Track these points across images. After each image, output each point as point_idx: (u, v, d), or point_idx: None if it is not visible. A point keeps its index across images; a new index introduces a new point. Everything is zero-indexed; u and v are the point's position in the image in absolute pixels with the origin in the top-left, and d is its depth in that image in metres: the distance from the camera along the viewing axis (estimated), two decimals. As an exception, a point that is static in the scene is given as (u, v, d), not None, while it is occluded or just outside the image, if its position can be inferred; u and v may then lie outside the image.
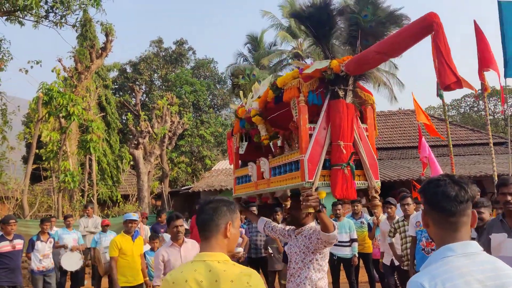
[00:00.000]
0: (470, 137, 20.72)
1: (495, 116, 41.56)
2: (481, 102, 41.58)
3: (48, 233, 8.90)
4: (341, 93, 3.24)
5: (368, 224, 8.47)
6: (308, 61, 35.77)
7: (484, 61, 7.60)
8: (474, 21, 8.14)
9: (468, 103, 41.71)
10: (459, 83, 2.58)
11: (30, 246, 8.57)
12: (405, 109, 25.52)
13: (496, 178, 8.43)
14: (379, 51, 2.93)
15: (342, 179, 3.16)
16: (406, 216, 6.68)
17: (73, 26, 14.52)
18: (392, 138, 21.52)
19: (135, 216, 6.98)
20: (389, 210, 7.43)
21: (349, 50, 3.47)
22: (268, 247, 8.31)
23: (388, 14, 3.30)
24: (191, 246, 5.18)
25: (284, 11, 34.59)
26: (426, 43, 2.75)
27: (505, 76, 7.79)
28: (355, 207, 8.83)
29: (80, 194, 16.47)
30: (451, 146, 9.59)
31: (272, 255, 8.24)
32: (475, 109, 42.68)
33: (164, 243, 8.39)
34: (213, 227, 2.21)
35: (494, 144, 21.07)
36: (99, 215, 16.69)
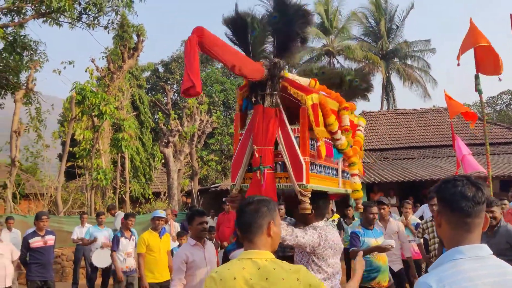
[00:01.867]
0: (506, 135, 20.05)
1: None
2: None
3: (130, 230, 8.11)
4: (259, 98, 3.33)
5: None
6: (340, 58, 35.52)
7: None
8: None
9: (505, 100, 40.41)
10: (194, 88, 2.70)
11: (115, 243, 7.73)
12: (438, 107, 24.95)
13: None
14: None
15: (254, 182, 3.27)
16: (434, 217, 6.51)
17: (105, 27, 14.83)
18: (425, 136, 21.04)
19: (162, 213, 7.07)
20: (382, 211, 6.83)
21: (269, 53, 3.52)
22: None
23: (294, 11, 3.32)
24: (211, 248, 4.81)
25: (317, 8, 34.35)
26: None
27: None
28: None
29: (112, 191, 16.80)
30: (488, 144, 9.28)
31: None
32: (512, 106, 41.36)
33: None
34: (256, 229, 2.21)
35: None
36: (131, 212, 16.99)
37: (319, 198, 3.55)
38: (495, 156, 17.25)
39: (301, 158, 3.23)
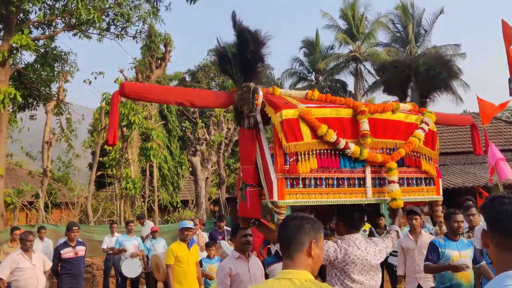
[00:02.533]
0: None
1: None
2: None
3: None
4: (241, 120, 3.53)
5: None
6: (367, 64, 35.09)
7: None
8: None
9: (538, 104, 39.11)
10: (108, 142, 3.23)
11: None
12: (470, 112, 24.34)
13: None
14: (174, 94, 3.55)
15: (240, 200, 3.46)
16: (471, 228, 6.26)
17: (133, 37, 15.02)
18: (457, 142, 20.53)
19: (191, 224, 7.04)
20: (413, 222, 5.95)
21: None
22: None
23: (246, 36, 3.46)
24: (255, 262, 4.54)
25: (343, 13, 34.07)
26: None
27: None
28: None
29: (141, 200, 16.93)
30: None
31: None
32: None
33: (220, 251, 8.39)
34: (297, 245, 2.14)
35: None
36: (159, 221, 17.10)
37: (350, 210, 3.49)
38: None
39: (273, 175, 3.26)
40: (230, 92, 3.62)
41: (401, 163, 3.75)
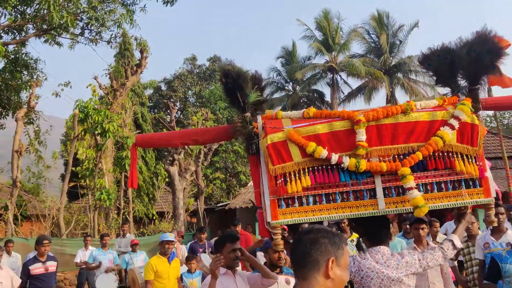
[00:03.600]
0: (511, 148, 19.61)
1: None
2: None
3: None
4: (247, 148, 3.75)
5: None
6: (343, 74, 35.30)
7: None
8: None
9: (512, 113, 39.93)
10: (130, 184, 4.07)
11: None
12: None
13: None
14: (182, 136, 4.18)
15: (260, 219, 3.63)
16: (470, 237, 6.01)
17: (108, 42, 14.57)
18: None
19: (171, 236, 6.62)
20: (420, 231, 5.24)
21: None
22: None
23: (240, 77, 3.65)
24: (243, 277, 4.18)
25: (318, 24, 34.23)
26: None
27: None
28: (406, 225, 8.10)
29: (116, 212, 16.35)
30: (506, 158, 8.88)
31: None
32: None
33: (201, 264, 7.99)
34: (310, 263, 1.82)
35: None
36: (135, 233, 16.54)
37: (369, 223, 3.43)
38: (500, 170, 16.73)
39: (266, 197, 3.38)
40: (228, 126, 3.92)
41: (423, 167, 3.40)
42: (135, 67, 17.45)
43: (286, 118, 3.67)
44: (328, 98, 35.70)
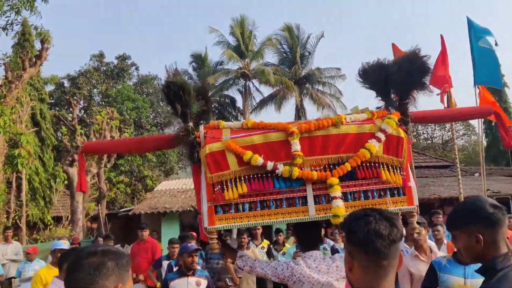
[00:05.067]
0: (416, 160, 20.85)
1: (433, 141, 42.93)
2: (420, 127, 43.10)
3: None
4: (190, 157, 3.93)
5: (335, 249, 7.72)
6: (255, 81, 35.64)
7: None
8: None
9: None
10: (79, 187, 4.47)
11: None
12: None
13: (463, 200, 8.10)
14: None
15: (200, 224, 3.77)
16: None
17: (4, 28, 13.16)
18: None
19: (66, 244, 5.90)
20: (415, 236, 5.07)
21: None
22: (221, 277, 7.42)
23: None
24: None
25: (232, 30, 34.25)
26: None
27: (474, 83, 8.33)
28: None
29: (5, 215, 14.79)
30: (414, 168, 9.17)
31: (231, 287, 7.34)
32: (414, 133, 43.91)
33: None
34: None
35: (439, 167, 21.50)
36: (27, 240, 15.13)
37: (302, 229, 3.68)
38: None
39: (204, 204, 3.57)
40: (174, 134, 4.02)
41: (352, 176, 3.64)
42: (34, 59, 15.98)
43: (227, 128, 3.89)
44: (240, 104, 35.82)
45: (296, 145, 3.56)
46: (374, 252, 1.60)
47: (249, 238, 8.27)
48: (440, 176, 19.50)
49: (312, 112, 37.45)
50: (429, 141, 43.07)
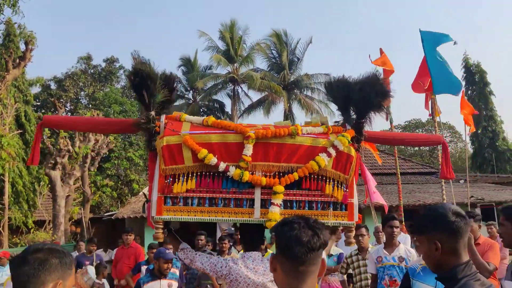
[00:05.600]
0: (402, 166, 20.87)
1: (420, 148, 43.13)
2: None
3: None
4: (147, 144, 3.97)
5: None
6: (244, 86, 35.58)
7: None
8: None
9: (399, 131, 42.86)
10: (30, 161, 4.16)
11: None
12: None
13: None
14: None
15: (148, 212, 3.81)
16: (361, 250, 5.92)
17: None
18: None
19: None
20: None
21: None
22: (202, 282, 7.30)
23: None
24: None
25: (221, 34, 34.18)
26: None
27: (434, 93, 8.81)
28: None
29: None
30: (399, 174, 9.17)
31: None
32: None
33: (86, 277, 7.25)
34: (35, 284, 1.75)
35: (425, 173, 21.55)
36: (9, 244, 14.88)
37: (245, 231, 3.84)
38: (394, 185, 17.71)
39: (154, 193, 3.64)
40: (135, 119, 3.98)
41: (298, 186, 3.79)
42: (18, 60, 15.77)
43: (188, 122, 3.95)
44: (228, 109, 35.69)
45: (248, 150, 3.69)
46: (293, 258, 1.70)
47: (231, 244, 8.21)
48: (426, 182, 19.54)
49: (301, 118, 37.45)
50: (416, 148, 43.32)
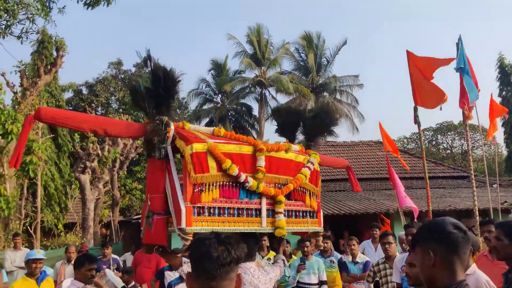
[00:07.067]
0: (433, 170, 20.35)
1: (453, 151, 42.10)
2: (439, 136, 42.32)
3: None
4: (151, 151, 3.76)
5: (343, 263, 7.45)
6: (271, 90, 35.49)
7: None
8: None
9: (427, 136, 41.97)
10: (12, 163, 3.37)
11: None
12: (368, 140, 25.01)
13: (477, 213, 7.76)
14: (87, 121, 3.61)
15: (146, 227, 3.70)
16: (388, 258, 5.75)
17: (18, 37, 13.27)
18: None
19: (40, 254, 5.72)
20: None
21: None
22: None
23: (160, 75, 3.69)
24: None
25: (249, 38, 34.22)
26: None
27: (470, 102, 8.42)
28: (325, 244, 7.82)
29: (17, 222, 14.87)
30: (427, 179, 8.89)
31: None
32: (433, 143, 43.12)
33: (105, 279, 7.29)
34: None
35: (457, 177, 20.92)
36: (40, 247, 15.18)
37: (243, 239, 3.62)
38: (424, 190, 17.25)
39: (182, 203, 3.49)
40: (143, 124, 3.84)
41: (288, 197, 4.13)
42: (49, 66, 16.13)
43: (196, 131, 3.95)
44: (256, 112, 35.66)
45: (262, 161, 3.94)
46: (203, 273, 1.75)
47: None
48: (458, 187, 18.96)
49: (330, 121, 36.98)
50: (448, 151, 42.25)
